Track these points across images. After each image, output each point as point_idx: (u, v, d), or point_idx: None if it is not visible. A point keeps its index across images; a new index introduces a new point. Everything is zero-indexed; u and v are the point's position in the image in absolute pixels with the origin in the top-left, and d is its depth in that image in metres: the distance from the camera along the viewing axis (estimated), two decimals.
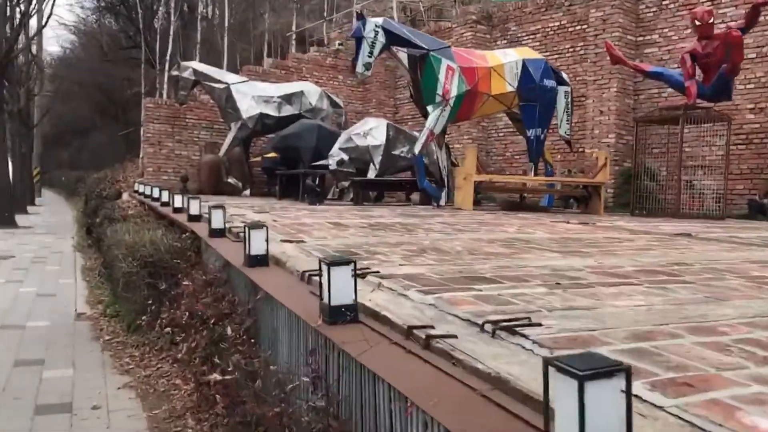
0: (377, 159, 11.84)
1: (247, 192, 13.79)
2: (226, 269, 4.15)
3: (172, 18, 23.08)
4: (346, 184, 12.21)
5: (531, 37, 13.06)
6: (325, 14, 17.46)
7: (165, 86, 17.68)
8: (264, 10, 19.51)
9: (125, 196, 13.43)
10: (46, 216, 21.05)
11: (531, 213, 8.92)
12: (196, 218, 6.36)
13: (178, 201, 7.67)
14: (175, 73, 13.06)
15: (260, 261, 3.46)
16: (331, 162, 11.77)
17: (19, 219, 18.03)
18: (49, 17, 17.33)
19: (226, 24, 17.51)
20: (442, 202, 10.04)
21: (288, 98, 13.78)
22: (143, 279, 5.68)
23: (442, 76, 9.33)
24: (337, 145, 11.87)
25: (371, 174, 11.85)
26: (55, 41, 77.43)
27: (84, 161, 41.89)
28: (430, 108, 9.45)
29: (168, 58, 20.74)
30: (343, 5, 19.33)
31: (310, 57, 15.83)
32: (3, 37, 15.82)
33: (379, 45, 9.29)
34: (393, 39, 9.32)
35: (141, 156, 18.48)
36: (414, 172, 12.58)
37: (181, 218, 6.84)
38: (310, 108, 13.91)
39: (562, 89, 10.51)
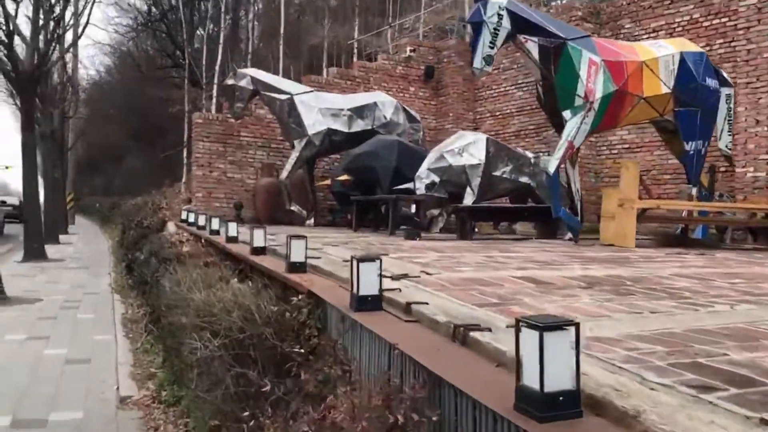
0: (475, 181, 9.71)
1: (311, 221, 11.74)
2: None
3: (222, 29, 21.42)
4: (435, 212, 10.08)
5: (652, 35, 10.90)
6: (389, 20, 15.58)
7: (213, 101, 15.83)
8: (324, 17, 17.65)
9: (171, 226, 11.47)
10: (80, 246, 19.28)
11: (703, 249, 6.70)
12: (299, 268, 4.30)
13: (258, 239, 5.65)
14: (230, 81, 11.15)
15: None
16: (419, 185, 9.69)
17: (51, 249, 16.23)
18: (85, 27, 15.64)
19: (282, 32, 15.67)
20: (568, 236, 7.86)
21: (359, 111, 11.77)
22: (228, 368, 3.62)
23: (583, 73, 7.21)
24: (425, 165, 9.78)
25: (468, 200, 9.73)
26: (89, 63, 77.29)
27: (118, 187, 40.53)
28: (567, 114, 7.31)
29: (216, 72, 19.00)
30: (408, 10, 17.51)
31: (379, 66, 13.86)
32: (35, 47, 14.14)
33: (503, 32, 7.20)
34: (520, 25, 7.24)
35: (183, 180, 16.67)
36: (516, 197, 10.47)
37: (271, 264, 4.80)
38: (385, 122, 11.88)
39: (724, 91, 8.33)
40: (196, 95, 22.16)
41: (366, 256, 3.21)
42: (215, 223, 8.82)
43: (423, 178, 9.72)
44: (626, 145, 11.22)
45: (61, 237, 20.74)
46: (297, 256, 4.53)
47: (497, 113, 13.69)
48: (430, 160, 9.83)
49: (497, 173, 9.91)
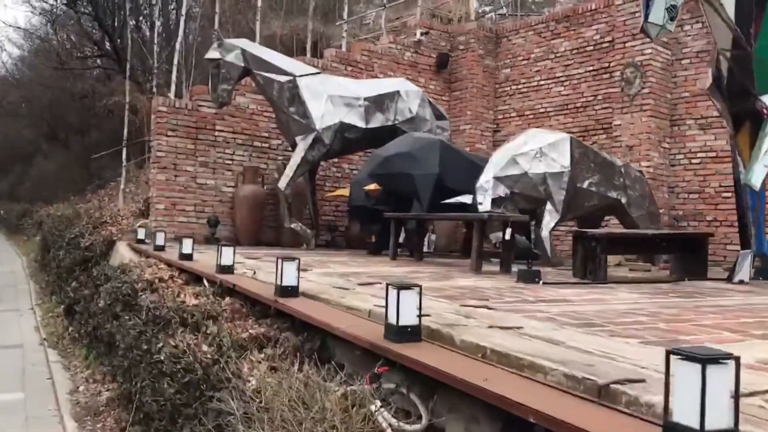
0: (559, 195, 7.27)
1: (312, 244, 8.96)
2: None
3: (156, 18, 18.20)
4: (499, 235, 7.54)
5: None
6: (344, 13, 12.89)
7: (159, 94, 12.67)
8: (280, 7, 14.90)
9: (123, 249, 8.44)
10: None
11: None
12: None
13: (290, 275, 3.16)
14: (214, 55, 8.23)
15: None
16: (482, 199, 7.17)
17: None
18: None
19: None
20: (740, 276, 5.48)
21: (379, 102, 9.13)
22: None
23: None
24: (490, 172, 7.26)
25: (549, 220, 7.27)
26: None
27: (27, 192, 35.85)
28: None
29: (155, 61, 15.79)
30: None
31: (384, 50, 11.22)
32: None
33: None
34: None
35: (122, 187, 13.47)
36: (592, 218, 8.09)
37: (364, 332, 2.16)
38: (409, 117, 9.29)
39: None
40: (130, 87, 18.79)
41: None
42: (187, 246, 6.10)
43: (487, 190, 7.20)
44: (712, 153, 9.05)
45: None
46: (407, 316, 2.63)
47: (527, 112, 11.33)
48: (496, 165, 7.31)
49: (583, 185, 7.51)
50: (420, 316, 2.69)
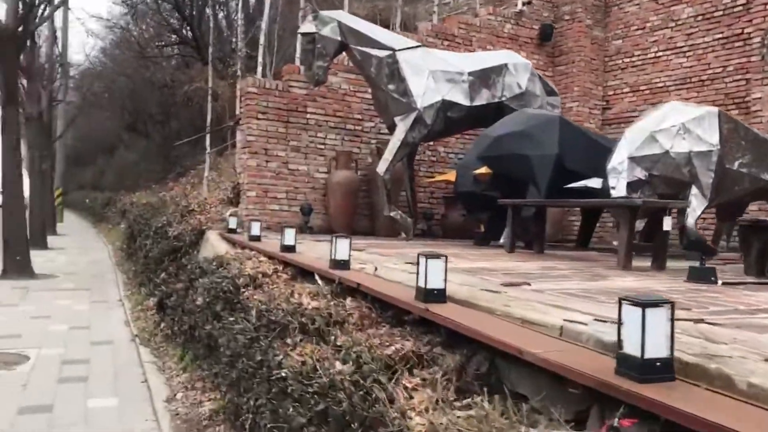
0: (706, 177, 6.28)
1: (411, 234, 8.23)
2: None
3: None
4: (662, 225, 6.59)
5: None
6: None
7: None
8: None
9: (213, 238, 7.95)
10: (73, 253, 15.61)
11: None
12: None
13: (436, 276, 2.97)
14: (308, 29, 7.57)
15: None
16: (615, 183, 6.28)
17: (38, 258, 12.59)
18: None
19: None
20: None
21: (484, 77, 8.30)
22: None
23: None
24: (624, 152, 6.34)
25: (696, 207, 6.30)
26: (80, 46, 73.07)
27: (109, 181, 36.71)
28: None
29: (238, 44, 15.35)
30: None
31: (483, 23, 10.34)
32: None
33: None
34: None
35: (206, 175, 13.10)
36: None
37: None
38: (518, 93, 8.42)
39: None
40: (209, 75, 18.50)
41: None
42: (289, 237, 5.48)
43: (621, 172, 6.29)
44: None
45: (50, 239, 17.09)
46: (654, 344, 1.87)
47: (642, 87, 10.25)
48: (631, 144, 6.37)
49: (732, 166, 6.49)
50: (672, 346, 1.89)
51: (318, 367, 2.96)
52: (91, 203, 32.71)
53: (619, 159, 6.33)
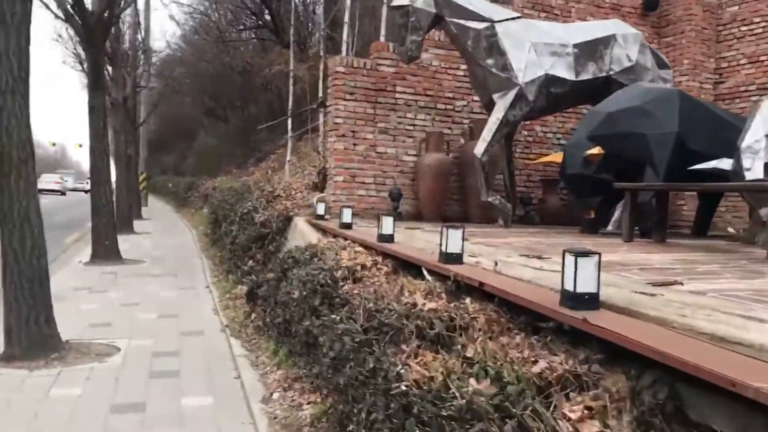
0: None
1: (509, 221, 7.66)
2: None
3: None
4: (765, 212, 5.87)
5: None
6: None
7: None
8: None
9: (302, 225, 7.63)
10: (158, 237, 15.78)
11: None
12: None
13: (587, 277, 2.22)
14: (402, 0, 7.06)
15: None
16: (749, 164, 5.56)
17: (125, 243, 12.73)
18: None
19: None
20: None
21: (590, 49, 7.61)
22: None
23: None
24: (760, 130, 5.59)
25: None
26: (160, 34, 74.97)
27: (190, 166, 37.53)
28: None
29: (323, 25, 15.06)
30: None
31: None
32: None
33: None
34: None
35: (288, 159, 12.87)
36: None
37: None
38: (628, 66, 7.71)
39: None
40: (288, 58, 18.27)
41: None
42: (387, 226, 5.02)
43: (758, 152, 5.56)
44: None
45: (135, 223, 17.38)
46: None
47: (762, 58, 9.27)
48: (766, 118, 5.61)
49: None
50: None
51: (449, 383, 2.51)
52: (174, 188, 33.45)
53: (753, 137, 5.59)
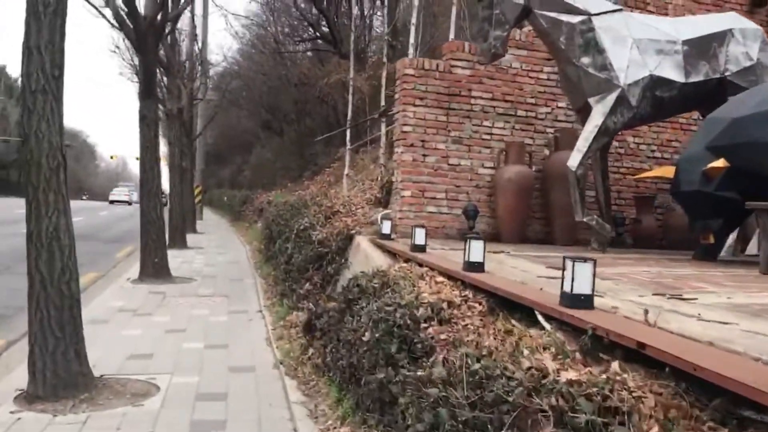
0: None
1: (606, 245, 6.60)
2: None
3: None
4: None
5: None
6: None
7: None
8: None
9: (365, 245, 6.77)
10: (211, 252, 15.20)
11: None
12: None
13: None
14: None
15: None
16: None
17: (176, 258, 12.15)
18: None
19: None
20: None
21: (703, 46, 6.56)
22: None
23: None
24: None
25: None
26: (218, 48, 76.08)
27: (246, 179, 37.34)
28: None
29: (386, 29, 14.25)
30: None
31: None
32: None
33: None
34: None
35: (346, 173, 12.07)
36: None
37: None
38: (748, 66, 6.61)
39: None
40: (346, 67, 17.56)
41: None
42: (476, 252, 4.07)
43: None
44: None
45: (189, 237, 16.87)
46: None
47: None
48: None
49: None
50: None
51: None
52: (229, 201, 33.21)
53: None
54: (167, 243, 11.69)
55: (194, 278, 10.77)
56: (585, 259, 3.02)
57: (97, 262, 12.50)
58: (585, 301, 2.97)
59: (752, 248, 7.35)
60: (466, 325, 3.55)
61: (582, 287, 2.96)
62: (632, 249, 7.48)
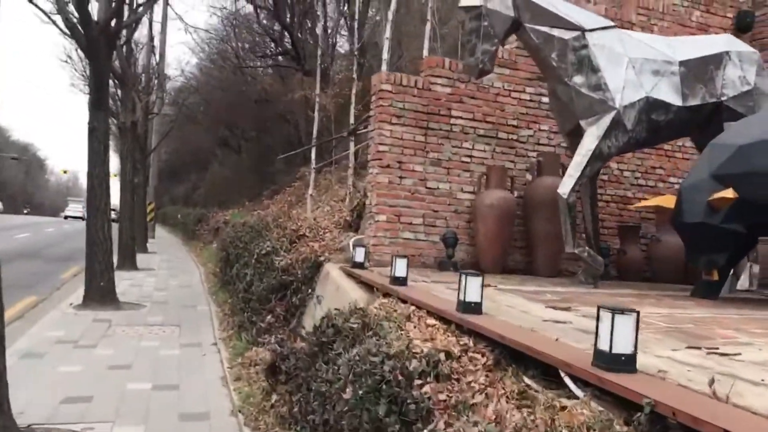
0: None
1: (598, 279, 6.11)
2: None
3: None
4: None
5: None
6: None
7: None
8: None
9: (336, 275, 6.15)
10: (162, 274, 14.30)
11: None
12: None
13: None
14: (474, 1, 5.63)
15: None
16: None
17: (125, 281, 11.34)
18: None
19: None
20: None
21: (699, 68, 6.18)
22: None
23: None
24: None
25: None
26: (176, 62, 74.41)
27: (202, 197, 36.22)
28: None
29: (356, 45, 13.66)
30: None
31: (667, 8, 8.19)
32: None
33: None
34: None
35: (310, 192, 11.44)
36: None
37: None
38: (745, 91, 6.24)
39: None
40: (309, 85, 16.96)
41: None
42: (473, 291, 3.54)
43: None
44: None
45: (139, 258, 15.92)
46: None
47: None
48: None
49: None
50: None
51: None
52: (183, 219, 32.09)
53: None
54: (115, 264, 10.87)
55: (143, 304, 9.95)
56: (623, 311, 2.46)
57: (38, 284, 11.56)
58: (626, 363, 2.41)
59: (743, 283, 6.98)
60: (470, 382, 2.96)
61: (623, 345, 2.41)
62: (619, 281, 7.05)
